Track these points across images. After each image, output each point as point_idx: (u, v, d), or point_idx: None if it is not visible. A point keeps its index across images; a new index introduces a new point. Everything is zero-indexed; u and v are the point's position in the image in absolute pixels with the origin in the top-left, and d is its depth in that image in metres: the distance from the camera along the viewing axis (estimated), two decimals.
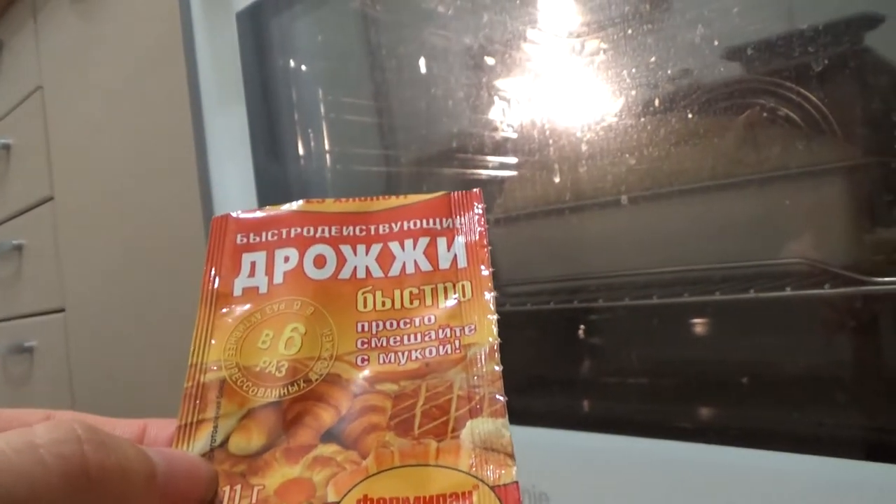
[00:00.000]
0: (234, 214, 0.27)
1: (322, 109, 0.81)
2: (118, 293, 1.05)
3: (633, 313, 0.56)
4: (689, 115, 0.52)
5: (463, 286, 0.24)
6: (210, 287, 0.25)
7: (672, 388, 0.54)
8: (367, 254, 0.26)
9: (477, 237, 0.26)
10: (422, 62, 0.73)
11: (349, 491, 0.20)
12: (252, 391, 0.23)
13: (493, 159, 0.65)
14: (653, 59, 0.53)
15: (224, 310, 0.24)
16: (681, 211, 0.55)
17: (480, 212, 0.26)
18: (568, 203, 0.60)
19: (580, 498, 0.49)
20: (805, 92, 0.46)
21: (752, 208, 0.51)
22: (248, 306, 0.24)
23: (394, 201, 0.27)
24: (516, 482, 0.20)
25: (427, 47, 0.71)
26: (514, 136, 0.64)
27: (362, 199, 0.27)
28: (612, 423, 0.51)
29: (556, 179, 0.60)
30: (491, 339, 0.23)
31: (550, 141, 0.61)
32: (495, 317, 0.23)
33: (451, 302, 0.24)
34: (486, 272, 0.25)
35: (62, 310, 1.18)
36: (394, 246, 0.26)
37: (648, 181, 0.55)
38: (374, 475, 0.20)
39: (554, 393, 0.61)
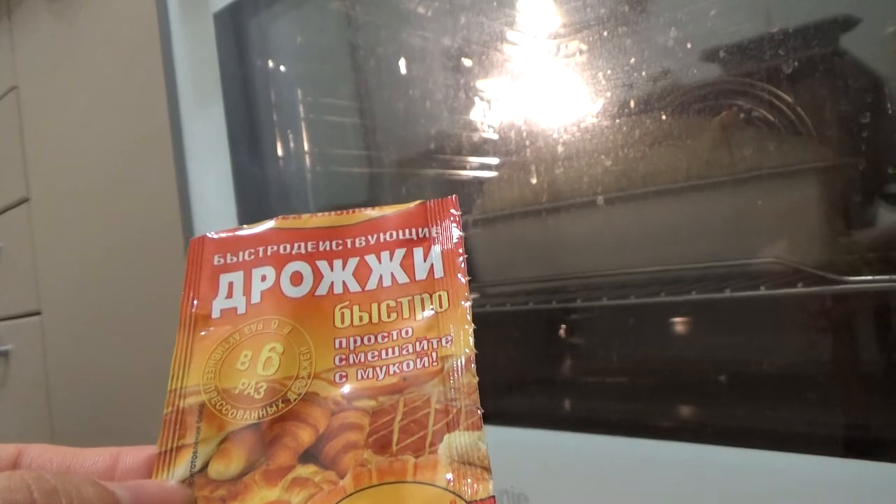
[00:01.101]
0: (210, 235, 0.26)
1: (301, 110, 0.81)
2: (95, 296, 1.04)
3: (611, 313, 0.57)
4: (665, 117, 0.52)
5: (440, 296, 0.24)
6: (188, 310, 0.25)
7: (650, 387, 0.55)
8: (343, 268, 0.25)
9: (453, 245, 0.25)
10: (401, 63, 0.72)
11: None
12: (231, 414, 0.22)
13: (472, 160, 0.65)
14: (631, 60, 0.54)
15: (203, 332, 0.24)
16: (657, 212, 0.55)
17: (456, 219, 0.26)
18: (545, 204, 0.60)
19: (559, 498, 0.49)
20: (780, 93, 0.47)
21: (728, 209, 0.52)
22: (226, 328, 0.24)
23: (369, 213, 0.27)
24: (493, 497, 0.20)
25: (406, 48, 0.71)
26: (492, 137, 0.64)
27: (338, 213, 0.27)
28: (590, 423, 0.51)
29: (534, 181, 0.61)
30: (468, 350, 0.23)
31: (528, 142, 0.61)
32: (472, 327, 0.23)
33: (428, 313, 0.24)
34: (462, 280, 0.24)
35: (38, 313, 1.17)
36: (370, 259, 0.25)
37: (625, 182, 0.55)
38: (351, 495, 0.20)
39: (533, 393, 0.61)
